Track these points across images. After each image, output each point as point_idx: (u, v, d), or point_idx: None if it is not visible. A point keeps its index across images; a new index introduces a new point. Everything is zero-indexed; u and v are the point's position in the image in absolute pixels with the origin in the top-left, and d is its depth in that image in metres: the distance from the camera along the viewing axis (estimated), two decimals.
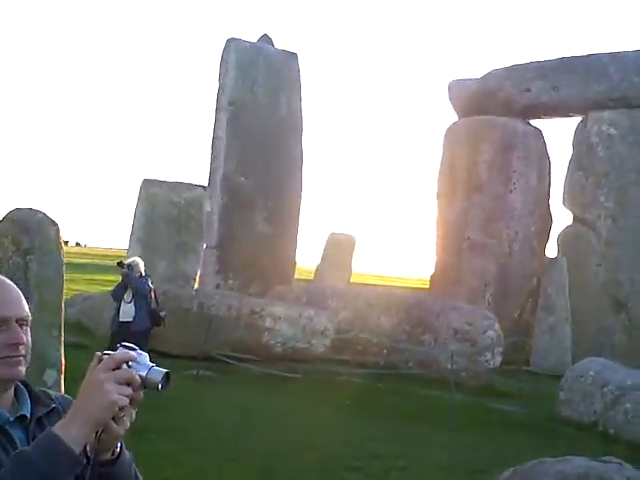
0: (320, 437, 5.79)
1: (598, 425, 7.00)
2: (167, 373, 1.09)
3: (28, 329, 1.19)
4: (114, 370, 1.06)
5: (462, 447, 6.05)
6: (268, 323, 8.82)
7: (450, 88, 13.02)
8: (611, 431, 6.87)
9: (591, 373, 7.36)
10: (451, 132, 12.55)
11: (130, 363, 1.08)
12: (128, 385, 1.07)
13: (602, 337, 10.67)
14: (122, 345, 1.11)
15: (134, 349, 1.10)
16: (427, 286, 13.06)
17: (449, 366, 7.73)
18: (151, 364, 1.10)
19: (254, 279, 11.55)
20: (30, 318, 1.20)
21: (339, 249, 15.97)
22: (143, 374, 1.08)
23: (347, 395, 7.51)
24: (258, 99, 11.96)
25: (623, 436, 6.72)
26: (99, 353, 1.09)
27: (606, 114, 11.51)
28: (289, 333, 8.82)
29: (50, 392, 1.24)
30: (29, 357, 1.19)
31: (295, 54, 12.51)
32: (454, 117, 12.94)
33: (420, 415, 6.98)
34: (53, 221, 4.97)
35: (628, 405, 6.90)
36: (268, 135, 11.89)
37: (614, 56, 11.69)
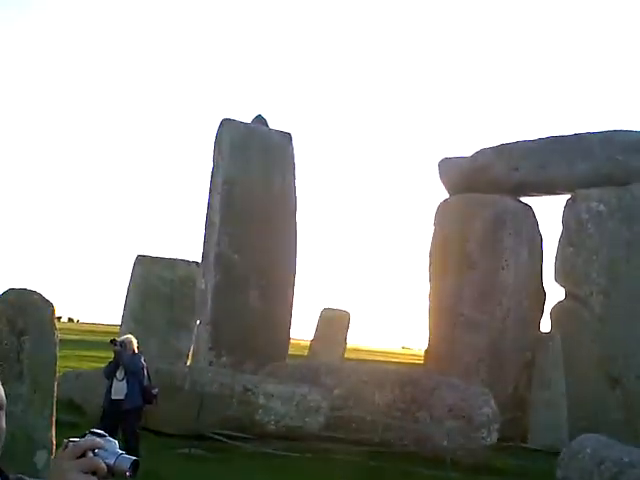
0: None
1: None
2: (136, 461, 1.06)
3: (2, 414, 1.18)
4: (79, 458, 1.04)
5: None
6: (261, 400, 8.75)
7: (440, 166, 13.26)
8: None
9: (588, 450, 7.28)
10: (442, 209, 12.71)
11: (97, 450, 1.05)
12: (93, 474, 1.03)
13: (598, 413, 10.57)
14: (90, 432, 1.08)
15: (103, 435, 1.08)
16: (421, 361, 13.00)
17: (445, 443, 7.65)
18: (119, 451, 1.07)
19: (248, 356, 11.48)
20: (5, 403, 1.19)
21: (333, 325, 15.94)
22: (110, 462, 1.05)
23: (342, 474, 7.39)
24: (252, 178, 12.13)
25: None
26: (66, 440, 1.07)
27: (594, 191, 11.69)
28: (282, 410, 8.74)
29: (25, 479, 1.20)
30: (2, 441, 1.17)
31: (289, 134, 12.74)
32: (445, 194, 13.12)
33: None
34: (48, 301, 5.00)
35: None
36: (262, 213, 12.02)
37: (599, 135, 11.96)
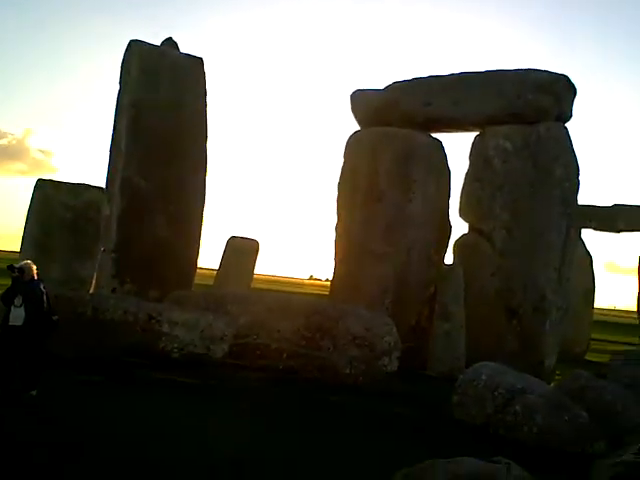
0: (214, 441, 5.73)
1: (489, 427, 7.22)
2: None
3: None
4: None
5: (358, 449, 6.10)
6: (165, 328, 8.68)
7: (352, 98, 13.17)
8: (501, 433, 7.10)
9: (483, 377, 7.57)
10: (352, 142, 12.68)
11: None
12: None
13: (495, 343, 10.98)
14: None
15: None
16: (328, 292, 13.14)
17: (347, 371, 7.81)
18: None
19: (152, 284, 11.34)
20: None
21: (240, 254, 15.90)
22: None
23: (245, 400, 7.45)
24: (161, 102, 11.77)
25: (512, 437, 6.95)
26: None
27: (502, 129, 11.88)
28: (187, 338, 8.70)
29: None
30: None
31: (200, 58, 12.39)
32: (356, 127, 13.07)
33: (317, 419, 7.00)
34: None
35: (517, 407, 7.14)
36: (171, 139, 11.73)
37: (511, 74, 12.06)
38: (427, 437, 6.82)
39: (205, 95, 12.25)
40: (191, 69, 12.20)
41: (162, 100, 11.77)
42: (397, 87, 12.82)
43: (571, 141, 11.67)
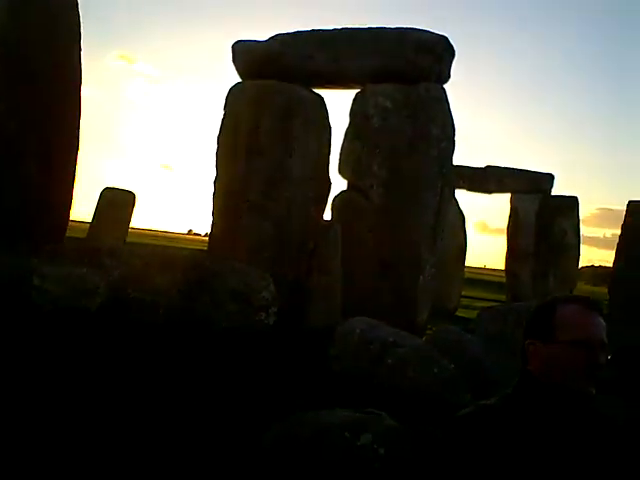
0: None
1: (364, 379, 7.39)
2: None
3: None
4: None
5: (228, 405, 6.10)
6: (36, 282, 8.35)
7: (234, 49, 12.90)
8: (375, 384, 7.29)
9: (358, 331, 7.74)
10: (233, 94, 12.45)
11: None
12: None
13: (371, 298, 11.21)
14: None
15: None
16: (207, 246, 12.98)
17: (225, 325, 7.77)
18: None
19: (22, 237, 10.83)
20: None
21: (115, 206, 15.43)
22: None
23: (122, 353, 7.29)
24: (32, 42, 11.11)
25: (386, 389, 7.15)
26: None
27: (382, 87, 11.97)
28: (58, 292, 8.41)
29: None
30: None
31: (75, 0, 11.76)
32: (237, 79, 12.83)
33: (187, 373, 6.95)
34: None
35: (390, 360, 7.34)
36: (43, 82, 11.11)
37: (392, 32, 12.13)
38: (302, 390, 6.91)
39: (79, 38, 11.68)
40: (64, 9, 11.57)
41: (34, 40, 11.13)
42: (280, 40, 12.65)
43: (448, 102, 11.93)
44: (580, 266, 26.09)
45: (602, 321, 2.00)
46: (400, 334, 7.89)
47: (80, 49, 11.70)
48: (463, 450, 1.85)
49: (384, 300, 11.31)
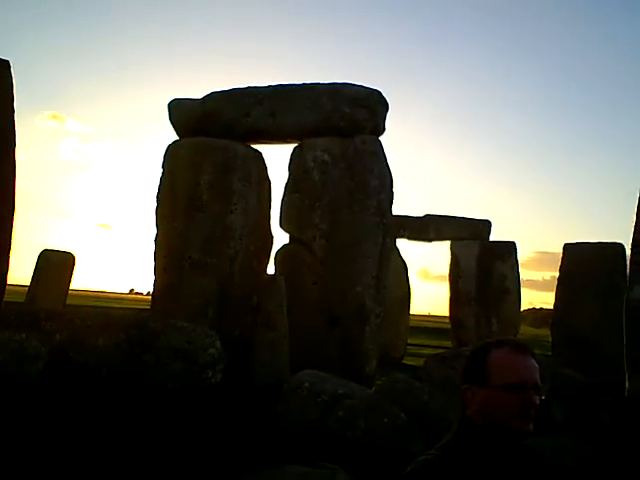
0: None
1: (314, 433, 7.31)
2: None
3: None
4: None
5: (178, 464, 5.97)
6: None
7: (170, 107, 12.96)
8: (326, 438, 7.21)
9: (306, 384, 7.69)
10: (171, 152, 12.46)
11: None
12: None
13: (318, 351, 11.16)
14: None
15: None
16: (149, 305, 12.79)
17: (170, 385, 7.62)
18: None
19: None
20: None
21: (54, 268, 15.13)
22: None
23: (66, 419, 7.08)
24: None
25: (337, 442, 7.08)
26: None
27: (320, 141, 12.14)
28: None
29: None
30: None
31: (6, 61, 11.67)
32: (174, 137, 12.87)
33: (136, 436, 6.78)
34: None
35: (340, 413, 7.30)
36: None
37: (327, 87, 12.37)
38: (252, 448, 6.80)
39: (12, 98, 11.56)
40: None
41: None
42: (216, 97, 12.76)
43: (384, 154, 12.14)
44: (522, 309, 26.52)
45: (534, 362, 2.04)
46: (349, 385, 7.87)
47: (13, 112, 11.58)
48: None
49: (332, 352, 11.28)
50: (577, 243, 18.30)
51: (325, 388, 7.61)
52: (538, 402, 1.98)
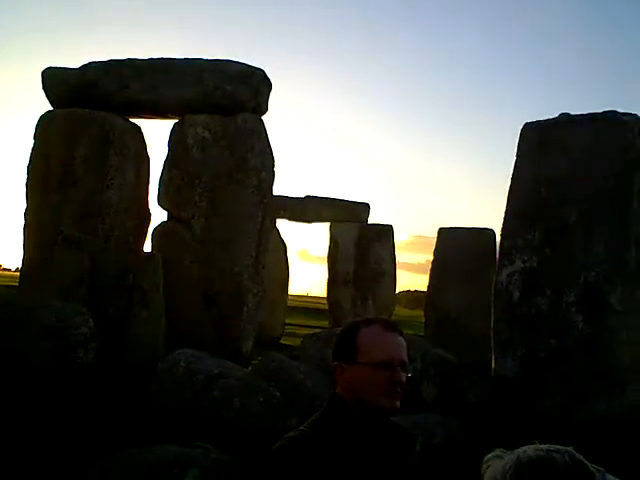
0: None
1: (189, 413, 7.24)
2: None
3: None
4: None
5: (49, 444, 5.78)
6: None
7: (44, 76, 12.39)
8: (201, 418, 7.15)
9: (182, 363, 7.59)
10: (44, 123, 11.92)
11: None
12: None
13: (195, 331, 11.05)
14: None
15: None
16: (17, 282, 12.27)
17: (40, 364, 7.36)
18: None
19: None
20: None
21: None
22: None
23: None
24: None
25: (212, 422, 7.04)
26: None
27: (201, 117, 11.94)
28: None
29: None
30: None
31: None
32: (48, 107, 12.31)
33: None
34: None
35: (216, 392, 7.25)
36: None
37: (209, 63, 12.17)
38: (125, 427, 6.66)
39: None
40: None
41: None
42: (94, 67, 12.30)
43: (267, 133, 12.10)
44: (398, 291, 27.21)
45: (402, 341, 2.08)
46: (225, 364, 7.83)
47: None
48: None
49: (209, 331, 11.19)
50: (451, 228, 18.96)
51: (200, 367, 7.54)
52: (405, 379, 2.02)
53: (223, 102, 11.86)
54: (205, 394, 7.25)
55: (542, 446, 1.40)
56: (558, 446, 1.40)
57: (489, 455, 1.47)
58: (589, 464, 1.36)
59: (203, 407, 7.18)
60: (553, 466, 1.34)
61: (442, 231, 18.89)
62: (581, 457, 1.38)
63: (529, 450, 1.40)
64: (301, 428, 2.01)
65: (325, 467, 1.84)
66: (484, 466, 1.45)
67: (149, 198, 12.17)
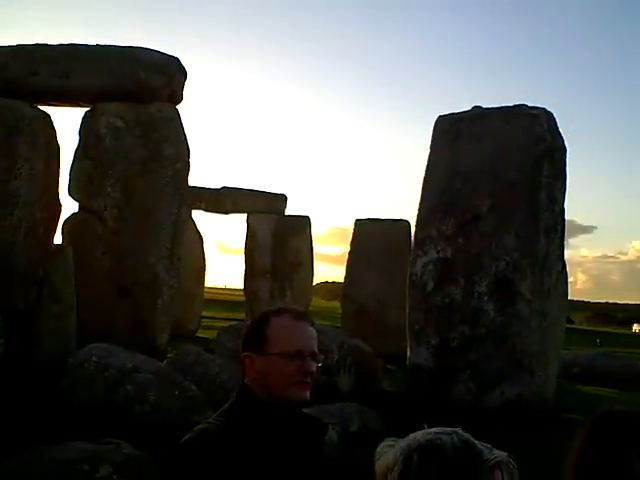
0: None
1: (101, 409, 7.08)
2: None
3: None
4: None
5: None
6: None
7: None
8: (113, 413, 7.00)
9: (94, 358, 7.42)
10: None
11: None
12: None
13: (108, 324, 10.81)
14: None
15: None
16: None
17: None
18: None
19: None
20: None
21: None
22: None
23: None
24: None
25: (125, 417, 6.90)
26: None
27: (113, 106, 11.67)
28: None
29: None
30: None
31: None
32: None
33: None
34: None
35: (129, 387, 7.11)
36: None
37: (121, 50, 11.88)
38: (34, 425, 6.46)
39: None
40: None
41: None
42: (0, 52, 11.84)
43: (182, 122, 11.92)
44: (315, 282, 27.35)
45: (313, 331, 2.06)
46: (139, 359, 7.70)
47: None
48: (186, 478, 1.82)
49: (122, 325, 10.96)
50: (367, 219, 19.17)
51: (113, 362, 7.38)
52: (315, 370, 2.00)
53: (137, 90, 11.61)
54: (117, 389, 7.10)
55: (431, 430, 1.42)
56: (447, 428, 1.42)
57: (381, 445, 1.48)
58: (476, 442, 1.40)
59: (116, 402, 7.04)
60: (441, 448, 1.37)
61: (358, 222, 19.07)
62: (468, 436, 1.41)
63: (418, 435, 1.42)
64: (209, 420, 1.97)
65: (233, 459, 1.81)
66: (376, 457, 1.46)
67: (59, 189, 11.80)
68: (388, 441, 1.48)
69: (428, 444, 1.39)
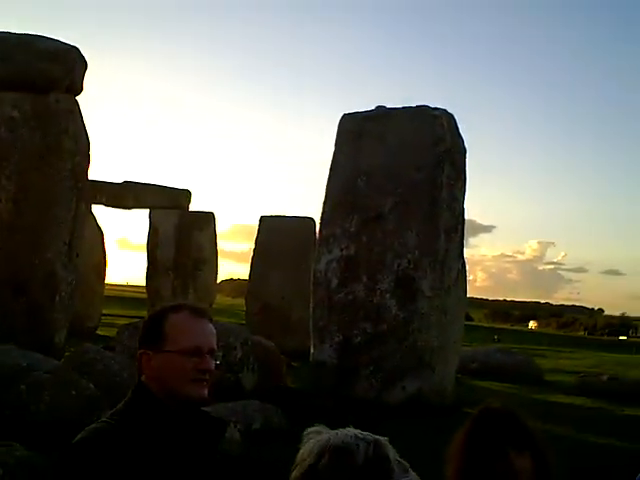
0: None
1: None
2: None
3: None
4: None
5: None
6: None
7: None
8: (7, 414, 6.73)
9: None
10: None
11: None
12: None
13: (3, 320, 10.42)
14: None
15: None
16: None
17: None
18: None
19: None
20: None
21: None
22: None
23: None
24: None
25: (19, 418, 6.66)
26: None
27: (9, 96, 11.24)
28: None
29: None
30: None
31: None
32: None
33: None
34: None
35: (23, 387, 6.86)
36: None
37: (18, 39, 11.47)
38: None
39: None
40: None
41: None
42: None
43: (81, 114, 11.60)
44: (219, 280, 27.12)
45: (212, 327, 2.03)
46: (35, 357, 7.43)
47: None
48: (78, 478, 1.75)
49: (17, 322, 10.56)
50: (272, 216, 19.16)
51: (6, 361, 7.10)
52: (214, 367, 1.97)
53: (35, 80, 11.21)
54: (11, 389, 6.83)
55: (354, 432, 1.41)
56: (371, 435, 1.41)
57: (312, 429, 1.47)
58: (394, 460, 1.38)
59: (9, 403, 6.77)
60: (352, 456, 1.35)
61: (264, 219, 19.04)
62: (389, 450, 1.39)
63: (340, 434, 1.40)
64: (103, 419, 1.90)
65: (126, 458, 1.76)
66: (305, 439, 1.45)
67: None
68: (319, 427, 1.47)
69: (343, 447, 1.38)
